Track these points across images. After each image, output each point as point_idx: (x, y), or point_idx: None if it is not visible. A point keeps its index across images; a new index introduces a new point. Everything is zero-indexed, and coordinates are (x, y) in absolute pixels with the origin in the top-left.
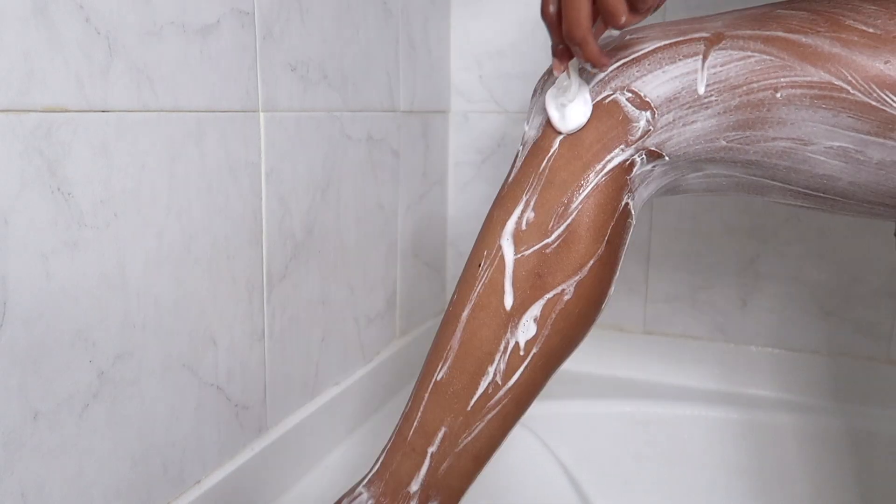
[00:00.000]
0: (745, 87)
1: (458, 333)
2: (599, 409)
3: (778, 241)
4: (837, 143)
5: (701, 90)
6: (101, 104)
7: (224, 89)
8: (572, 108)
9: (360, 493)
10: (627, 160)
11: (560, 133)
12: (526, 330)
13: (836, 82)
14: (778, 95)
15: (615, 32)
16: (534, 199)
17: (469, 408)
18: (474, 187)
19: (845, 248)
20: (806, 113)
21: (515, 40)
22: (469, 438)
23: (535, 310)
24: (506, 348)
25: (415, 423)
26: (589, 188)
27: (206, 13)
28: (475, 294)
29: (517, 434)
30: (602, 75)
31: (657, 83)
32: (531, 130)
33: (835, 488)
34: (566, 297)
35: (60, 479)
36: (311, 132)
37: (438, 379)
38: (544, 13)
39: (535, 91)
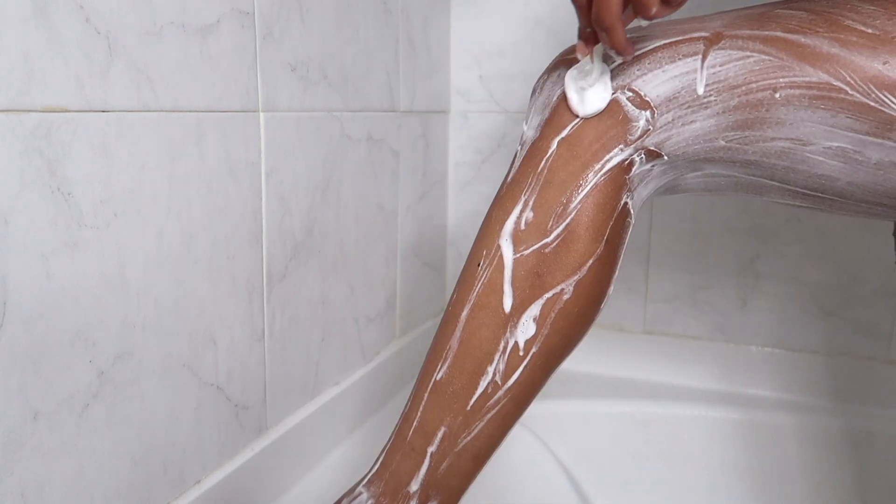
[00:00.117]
0: (743, 88)
1: (457, 333)
2: (599, 409)
3: (778, 241)
4: (836, 144)
5: (700, 90)
6: (101, 104)
7: (224, 89)
8: (592, 93)
9: (360, 493)
10: (626, 160)
11: (576, 116)
12: (525, 329)
13: (834, 83)
14: (777, 96)
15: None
16: (533, 199)
17: (468, 407)
18: (474, 187)
19: (845, 248)
20: (804, 113)
21: (515, 40)
22: (468, 438)
23: (535, 309)
24: (505, 348)
25: (414, 423)
26: (588, 188)
27: (206, 13)
28: (474, 294)
29: (517, 434)
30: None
31: (657, 82)
32: (530, 131)
33: (834, 488)
34: (565, 297)
35: (60, 479)
36: (311, 132)
37: (438, 379)
38: None
39: (533, 91)
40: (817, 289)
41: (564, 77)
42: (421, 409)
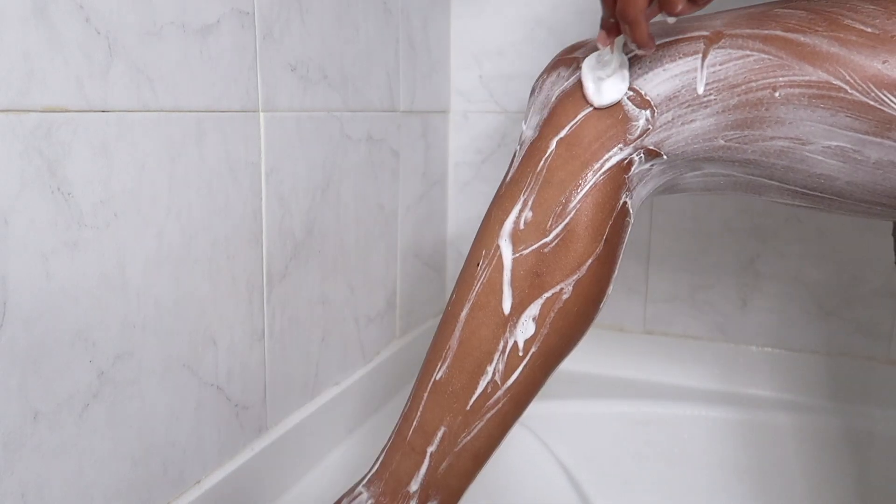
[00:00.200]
0: (743, 87)
1: (456, 333)
2: (599, 409)
3: (778, 241)
4: (835, 143)
5: (700, 89)
6: (101, 104)
7: (224, 89)
8: (609, 83)
9: (360, 493)
10: (625, 159)
11: (591, 105)
12: (525, 329)
13: (834, 82)
14: (776, 95)
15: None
16: (532, 199)
17: (468, 407)
18: (474, 187)
19: (845, 248)
20: (804, 112)
21: (515, 40)
22: (468, 438)
23: (534, 309)
24: (504, 348)
25: (414, 423)
26: (587, 187)
27: (206, 13)
28: (474, 293)
29: (517, 434)
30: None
31: (658, 81)
32: (529, 130)
33: (834, 488)
34: (565, 296)
35: (60, 479)
36: (311, 132)
37: (437, 378)
38: None
39: (532, 90)
40: (817, 289)
41: (581, 66)
42: (421, 408)
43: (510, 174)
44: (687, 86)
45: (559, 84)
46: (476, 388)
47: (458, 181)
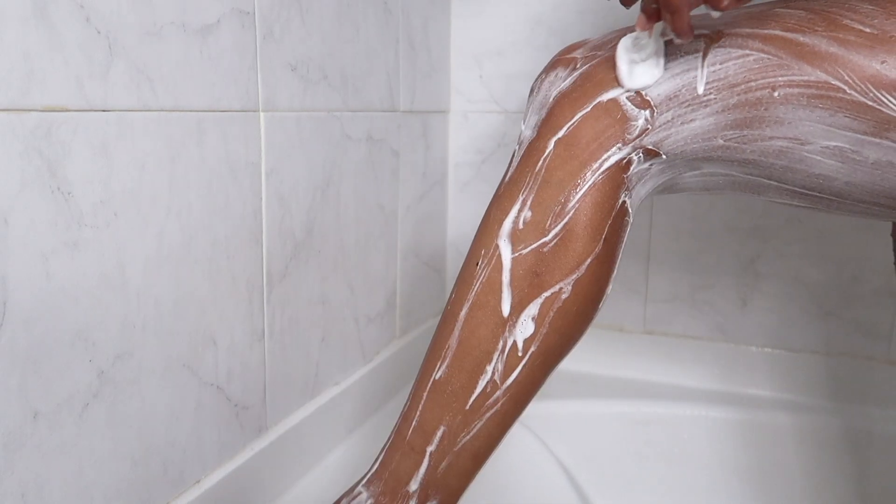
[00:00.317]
0: (743, 86)
1: (456, 332)
2: (599, 409)
3: (778, 241)
4: (834, 143)
5: (700, 89)
6: (101, 104)
7: (224, 89)
8: (643, 67)
9: (360, 493)
10: (624, 159)
11: (621, 87)
12: (524, 329)
13: (833, 82)
14: (775, 94)
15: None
16: (531, 199)
17: (468, 407)
18: (474, 187)
19: (845, 248)
20: (803, 112)
21: (515, 40)
22: (468, 437)
23: (533, 308)
24: (504, 347)
25: (413, 423)
26: (586, 187)
27: (207, 13)
28: (473, 293)
29: (516, 433)
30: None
31: (658, 80)
32: (527, 130)
33: (834, 488)
34: (564, 296)
35: (60, 479)
36: (311, 132)
37: (437, 378)
38: None
39: (531, 90)
40: (817, 289)
41: (616, 47)
42: (420, 408)
43: (509, 174)
44: (687, 85)
45: (557, 84)
46: (475, 388)
47: (458, 181)
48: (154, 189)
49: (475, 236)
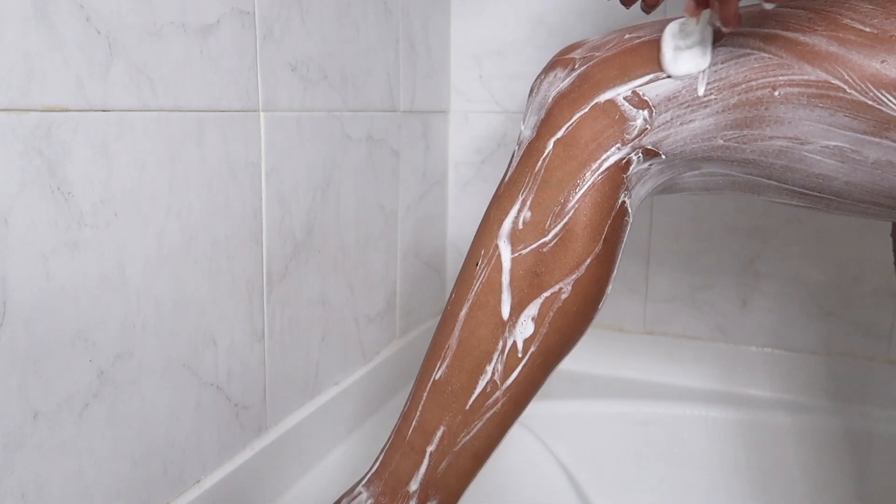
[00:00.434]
0: (743, 85)
1: (456, 332)
2: (599, 409)
3: (778, 241)
4: (834, 143)
5: (701, 91)
6: (101, 104)
7: (224, 89)
8: (688, 54)
9: (360, 493)
10: (624, 159)
11: (666, 74)
12: (524, 329)
13: (833, 81)
14: (776, 94)
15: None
16: (530, 199)
17: (467, 407)
18: (474, 187)
19: (845, 248)
20: (803, 112)
21: (515, 40)
22: (468, 437)
23: (533, 309)
24: (504, 347)
25: (413, 423)
26: (585, 187)
27: (207, 13)
28: (473, 293)
29: (516, 433)
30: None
31: (657, 82)
32: (527, 130)
33: (834, 488)
34: (564, 296)
35: (60, 479)
36: (311, 132)
37: (437, 378)
38: None
39: (531, 91)
40: (817, 289)
41: (663, 32)
42: (420, 408)
43: (509, 174)
44: (687, 86)
45: (556, 85)
46: (475, 388)
47: (458, 181)
48: (154, 189)
49: (475, 236)
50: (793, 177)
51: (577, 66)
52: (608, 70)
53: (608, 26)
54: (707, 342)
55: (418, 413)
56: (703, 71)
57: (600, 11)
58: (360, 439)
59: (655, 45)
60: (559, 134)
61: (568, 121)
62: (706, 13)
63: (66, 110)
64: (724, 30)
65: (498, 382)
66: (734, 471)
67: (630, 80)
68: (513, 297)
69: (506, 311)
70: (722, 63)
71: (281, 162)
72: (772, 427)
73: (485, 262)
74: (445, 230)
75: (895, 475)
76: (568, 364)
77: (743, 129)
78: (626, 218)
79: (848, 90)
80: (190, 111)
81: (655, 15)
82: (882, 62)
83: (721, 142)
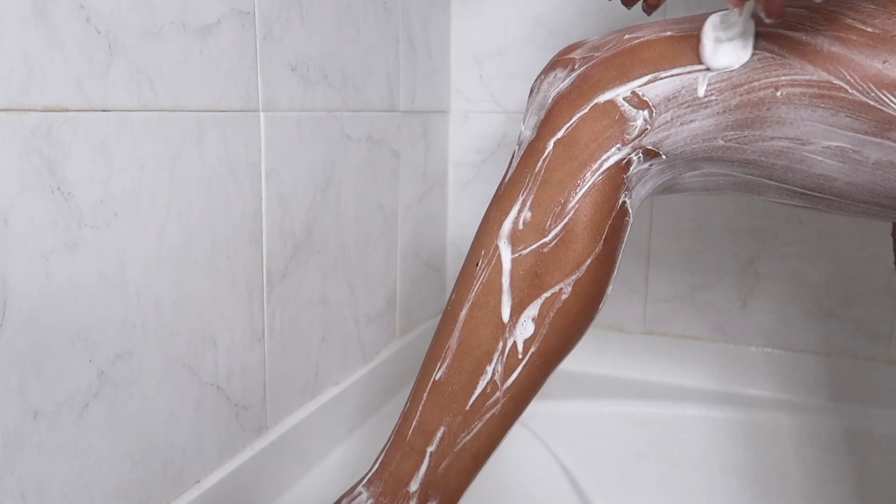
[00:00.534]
0: (746, 86)
1: (456, 333)
2: (599, 409)
3: (778, 241)
4: (835, 143)
5: (701, 91)
6: (101, 104)
7: (224, 89)
8: (729, 47)
9: (360, 493)
10: (624, 159)
11: (705, 67)
12: (524, 329)
13: (834, 81)
14: (778, 94)
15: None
16: (531, 199)
17: (468, 407)
18: (474, 187)
19: (845, 248)
20: (805, 112)
21: (515, 40)
22: (468, 438)
23: (533, 309)
24: (504, 348)
25: (413, 423)
26: (585, 187)
27: (207, 13)
28: (473, 294)
29: (517, 434)
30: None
31: (657, 82)
32: (527, 131)
33: (833, 488)
34: (564, 296)
35: (60, 479)
36: (311, 132)
37: (437, 378)
38: None
39: (531, 91)
40: (817, 289)
41: (704, 24)
42: (420, 408)
43: (509, 174)
44: (687, 86)
45: (556, 85)
46: (475, 389)
47: (458, 181)
48: (154, 189)
49: (475, 237)
50: (793, 177)
51: (576, 67)
52: (607, 70)
53: (608, 26)
54: (707, 342)
55: (418, 413)
56: (744, 64)
57: (601, 12)
58: (360, 439)
59: (655, 45)
60: (559, 134)
61: (568, 121)
62: (749, 4)
63: (66, 110)
64: (767, 21)
65: (498, 383)
66: (734, 471)
67: (629, 80)
68: (513, 298)
69: (506, 312)
70: None
71: (281, 162)
72: (772, 427)
73: (485, 262)
74: (445, 230)
75: (895, 475)
76: (568, 364)
77: (744, 130)
78: (627, 218)
79: (850, 90)
80: (190, 111)
81: (656, 14)
82: (884, 62)
83: (721, 142)
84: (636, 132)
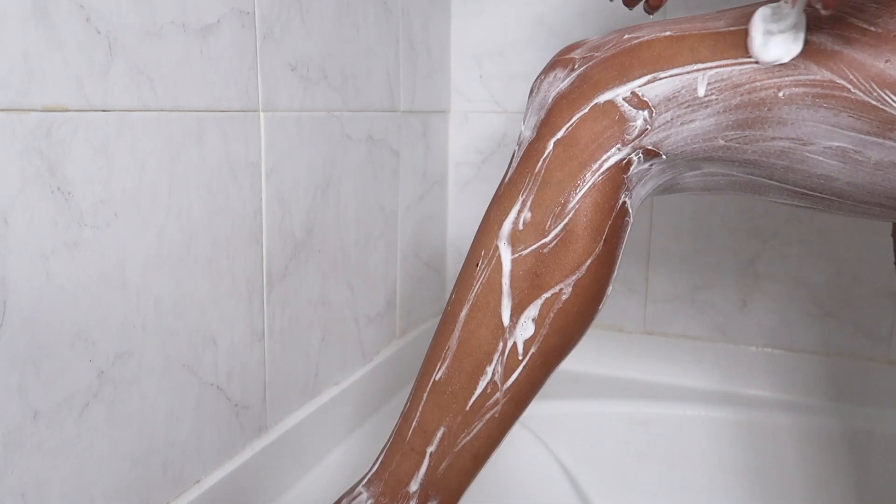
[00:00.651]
0: (747, 86)
1: (456, 333)
2: (599, 409)
3: (778, 241)
4: (836, 144)
5: (701, 91)
6: (101, 104)
7: (224, 89)
8: (780, 39)
9: (360, 493)
10: (624, 159)
11: (752, 60)
12: (524, 330)
13: (837, 81)
14: (780, 94)
15: (825, 12)
16: (530, 199)
17: (468, 408)
18: (474, 187)
19: (845, 248)
20: (807, 112)
21: (515, 40)
22: (468, 438)
23: (533, 309)
24: (504, 348)
25: (414, 423)
26: (586, 188)
27: (207, 13)
28: (473, 294)
29: (517, 434)
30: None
31: (656, 82)
32: (527, 131)
33: (833, 488)
34: (564, 297)
35: (60, 479)
36: (311, 132)
37: (437, 379)
38: None
39: (531, 91)
40: (817, 289)
41: (753, 16)
42: (420, 409)
43: (509, 175)
44: (687, 86)
45: (556, 85)
46: (475, 389)
47: (458, 181)
48: (154, 189)
49: (475, 237)
50: (794, 177)
51: (576, 67)
52: (607, 71)
53: (609, 26)
54: (707, 342)
55: (418, 414)
56: (795, 58)
57: (601, 12)
58: (360, 439)
59: (654, 45)
60: (559, 134)
61: (568, 121)
62: None
63: (66, 110)
64: (824, 13)
65: (498, 383)
66: (734, 471)
67: (629, 80)
68: (513, 298)
69: (506, 312)
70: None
71: (281, 162)
72: (771, 427)
73: (485, 262)
74: (445, 230)
75: (895, 475)
76: (568, 364)
77: (744, 130)
78: (627, 218)
79: (852, 90)
80: (190, 111)
81: (656, 15)
82: (886, 62)
83: (722, 142)
84: (636, 132)
